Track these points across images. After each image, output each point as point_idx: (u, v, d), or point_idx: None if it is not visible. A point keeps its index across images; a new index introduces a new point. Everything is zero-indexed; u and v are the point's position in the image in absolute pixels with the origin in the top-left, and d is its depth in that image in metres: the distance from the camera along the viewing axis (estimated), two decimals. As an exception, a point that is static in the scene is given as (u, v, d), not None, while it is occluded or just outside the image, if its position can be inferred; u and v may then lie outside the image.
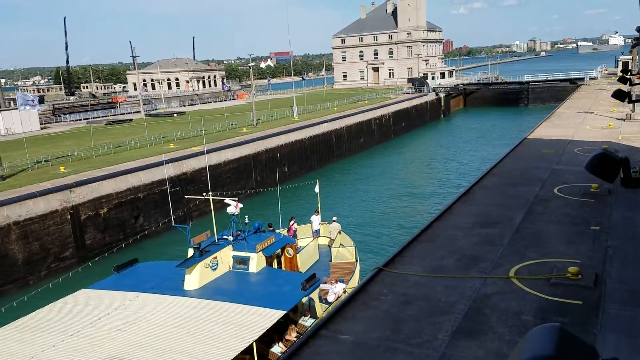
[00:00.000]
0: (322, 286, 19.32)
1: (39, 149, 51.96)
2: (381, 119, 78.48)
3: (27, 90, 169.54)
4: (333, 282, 19.75)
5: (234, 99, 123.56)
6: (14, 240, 30.48)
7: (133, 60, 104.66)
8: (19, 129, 67.31)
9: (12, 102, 79.52)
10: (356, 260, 23.81)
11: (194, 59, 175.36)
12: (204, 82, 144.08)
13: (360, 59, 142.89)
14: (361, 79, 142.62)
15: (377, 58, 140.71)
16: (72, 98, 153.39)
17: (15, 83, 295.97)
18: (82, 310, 15.13)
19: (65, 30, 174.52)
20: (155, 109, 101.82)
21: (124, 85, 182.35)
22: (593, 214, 18.55)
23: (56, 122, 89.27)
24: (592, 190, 21.45)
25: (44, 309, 15.49)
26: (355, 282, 21.00)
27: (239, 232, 19.03)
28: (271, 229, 23.35)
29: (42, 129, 75.89)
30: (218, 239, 18.31)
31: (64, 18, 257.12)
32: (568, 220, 18.14)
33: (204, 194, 19.74)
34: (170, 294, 15.88)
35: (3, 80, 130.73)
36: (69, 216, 33.58)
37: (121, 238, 35.17)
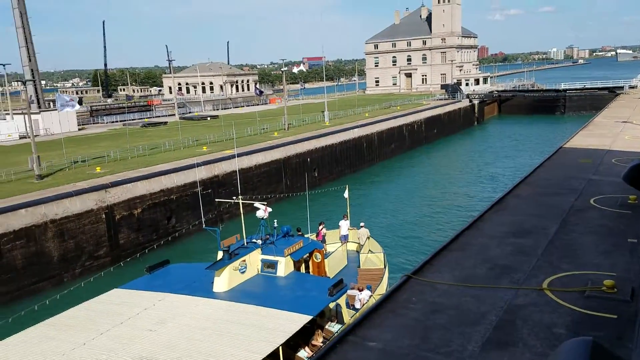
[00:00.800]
0: (350, 292, 19.26)
1: (77, 149, 53.35)
2: (413, 125, 77.96)
3: (66, 92, 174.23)
4: (360, 288, 19.65)
5: (266, 104, 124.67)
6: (50, 238, 31.29)
7: (169, 64, 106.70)
8: (58, 130, 69.25)
9: (51, 103, 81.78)
10: (385, 267, 23.63)
11: (228, 63, 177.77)
12: (237, 87, 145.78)
13: (393, 65, 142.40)
14: (393, 84, 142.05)
15: (410, 64, 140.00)
16: (109, 100, 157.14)
17: (55, 85, 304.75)
18: (113, 310, 15.42)
19: (104, 34, 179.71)
20: (190, 112, 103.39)
21: (159, 88, 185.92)
22: (630, 226, 18.01)
23: (93, 123, 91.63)
24: (630, 202, 20.85)
25: (77, 308, 15.85)
26: (383, 288, 20.86)
27: (268, 236, 19.15)
28: (300, 233, 23.42)
29: (79, 129, 77.91)
30: (247, 243, 18.46)
31: (103, 22, 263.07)
32: (604, 231, 17.66)
33: (234, 197, 19.92)
34: (199, 295, 16.07)
35: (43, 82, 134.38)
36: (103, 216, 34.31)
37: (154, 238, 35.76)
